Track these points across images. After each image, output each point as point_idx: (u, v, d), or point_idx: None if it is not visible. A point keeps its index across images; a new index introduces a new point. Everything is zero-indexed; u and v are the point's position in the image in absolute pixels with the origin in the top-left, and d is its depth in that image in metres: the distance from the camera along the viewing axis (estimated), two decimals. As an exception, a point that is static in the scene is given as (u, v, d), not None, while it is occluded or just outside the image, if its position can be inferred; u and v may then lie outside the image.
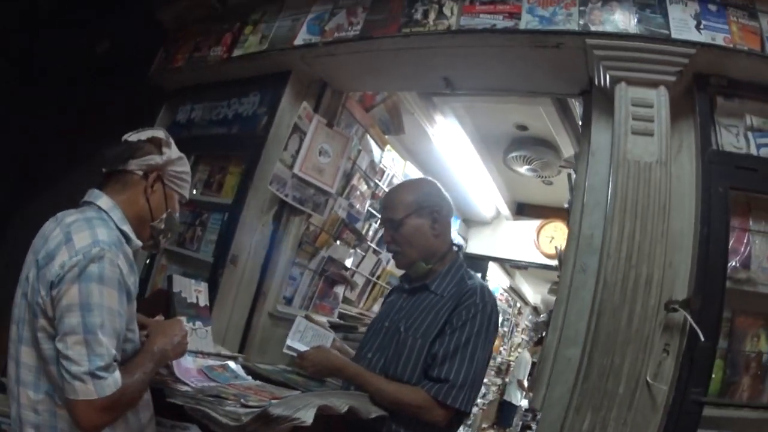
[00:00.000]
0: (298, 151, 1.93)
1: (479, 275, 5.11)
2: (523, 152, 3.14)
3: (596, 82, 1.62)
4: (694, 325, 1.47)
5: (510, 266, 6.35)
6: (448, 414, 1.49)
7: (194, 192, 2.17)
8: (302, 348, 1.53)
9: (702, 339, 1.47)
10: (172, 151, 1.32)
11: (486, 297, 1.52)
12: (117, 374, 1.06)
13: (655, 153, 1.52)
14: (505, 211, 4.54)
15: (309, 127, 1.96)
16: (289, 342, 1.55)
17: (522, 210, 4.76)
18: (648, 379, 1.53)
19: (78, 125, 2.81)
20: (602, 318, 1.45)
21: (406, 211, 1.55)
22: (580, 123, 1.72)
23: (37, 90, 2.92)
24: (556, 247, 3.30)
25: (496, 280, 4.94)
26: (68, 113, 2.92)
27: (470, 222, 4.81)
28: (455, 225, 4.34)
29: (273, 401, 1.29)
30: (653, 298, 1.47)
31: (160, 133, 1.32)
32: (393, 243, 1.58)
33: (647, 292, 1.47)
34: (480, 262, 4.86)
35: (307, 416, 1.22)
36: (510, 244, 4.77)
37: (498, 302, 5.15)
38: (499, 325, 1.71)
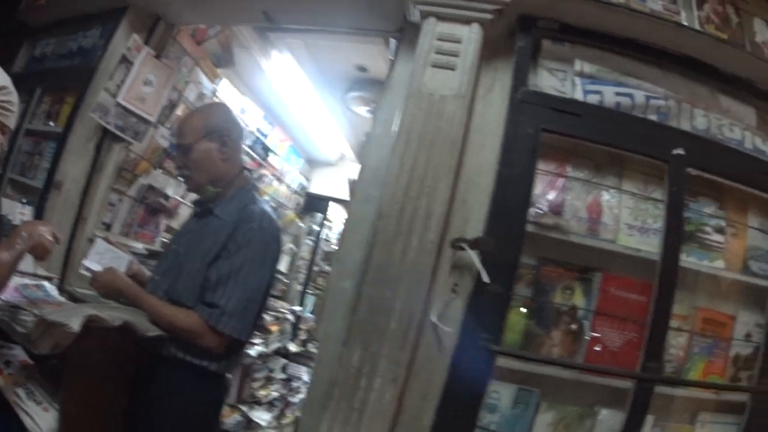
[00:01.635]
0: (123, 81, 2.01)
1: (319, 215, 4.89)
2: (362, 93, 3.07)
3: (409, 18, 1.59)
4: (479, 265, 1.40)
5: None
6: (221, 341, 1.48)
7: (38, 122, 2.29)
8: (97, 269, 1.57)
9: (487, 281, 1.40)
10: None
11: (265, 223, 1.51)
12: None
13: (453, 87, 1.47)
14: (350, 153, 4.43)
15: (137, 58, 2.05)
16: (85, 262, 1.59)
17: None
18: (433, 319, 1.46)
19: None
20: (376, 250, 1.40)
21: (196, 136, 1.57)
22: (391, 59, 1.69)
23: None
24: (348, 179, 3.18)
25: (337, 220, 4.89)
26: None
27: (314, 163, 4.79)
28: (298, 165, 4.30)
29: (50, 309, 1.35)
30: (432, 233, 1.41)
31: None
32: (184, 168, 1.61)
33: (426, 226, 1.41)
34: (321, 202, 4.83)
35: (74, 323, 1.26)
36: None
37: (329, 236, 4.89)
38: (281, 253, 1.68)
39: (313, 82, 3.04)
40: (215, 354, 1.50)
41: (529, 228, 1.46)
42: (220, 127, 1.59)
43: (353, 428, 1.45)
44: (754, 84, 1.83)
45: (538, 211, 1.47)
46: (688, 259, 1.59)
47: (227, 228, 1.50)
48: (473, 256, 1.41)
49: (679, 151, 1.58)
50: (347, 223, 1.50)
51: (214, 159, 1.57)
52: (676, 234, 1.55)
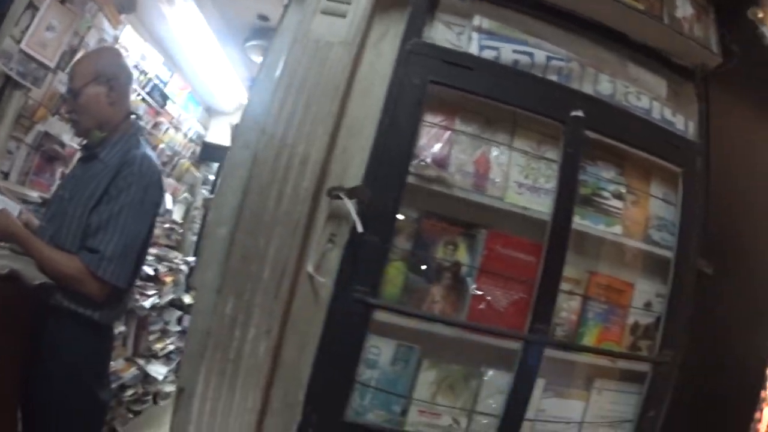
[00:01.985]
0: (28, 27, 2.01)
1: (216, 164, 4.72)
2: (261, 42, 3.04)
3: (304, -34, 1.58)
4: (354, 215, 1.38)
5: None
6: (102, 287, 1.47)
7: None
8: None
9: (360, 231, 1.37)
10: None
11: (144, 168, 1.51)
12: None
13: (341, 35, 1.45)
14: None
15: (43, 3, 2.05)
16: None
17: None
18: (309, 270, 1.43)
19: None
20: (250, 196, 1.38)
21: (84, 80, 1.57)
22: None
23: None
24: (230, 124, 3.13)
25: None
26: None
27: (212, 111, 4.68)
28: (196, 113, 4.22)
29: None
30: (307, 181, 1.39)
31: None
32: (72, 112, 1.61)
33: (301, 174, 1.39)
34: (218, 152, 4.62)
35: None
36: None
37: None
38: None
39: (215, 30, 3.02)
40: (97, 303, 1.49)
41: (411, 180, 1.44)
42: (108, 71, 1.59)
43: (229, 380, 1.43)
44: (669, 57, 1.81)
45: (421, 162, 1.44)
46: (582, 222, 1.56)
47: (110, 172, 1.50)
48: (349, 205, 1.39)
49: (578, 113, 1.56)
50: (225, 168, 1.49)
51: (101, 103, 1.57)
52: (568, 195, 1.53)
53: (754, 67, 1.87)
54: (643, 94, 1.70)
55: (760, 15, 1.80)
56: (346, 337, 1.43)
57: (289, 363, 1.47)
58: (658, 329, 1.67)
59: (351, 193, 1.40)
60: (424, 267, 1.48)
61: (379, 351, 1.47)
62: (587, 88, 1.63)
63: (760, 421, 2.58)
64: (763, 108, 1.95)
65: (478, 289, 1.49)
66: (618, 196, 1.63)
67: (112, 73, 1.60)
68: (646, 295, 1.67)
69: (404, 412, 1.51)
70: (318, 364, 1.43)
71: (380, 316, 1.44)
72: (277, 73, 1.43)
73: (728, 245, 1.81)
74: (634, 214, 1.64)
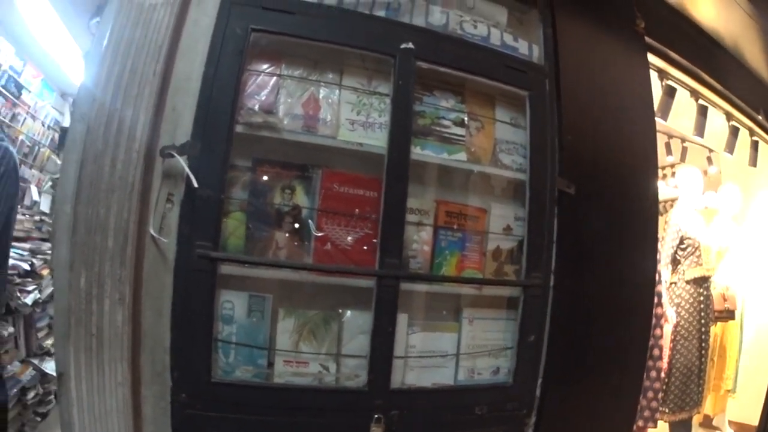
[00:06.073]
0: None
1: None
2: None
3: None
4: (188, 171, 1.36)
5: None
6: None
7: None
8: None
9: (195, 185, 1.36)
10: None
11: None
12: None
13: (158, -5, 1.44)
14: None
15: None
16: None
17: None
18: (152, 232, 1.41)
19: None
20: (86, 167, 1.36)
21: None
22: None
23: None
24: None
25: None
26: None
27: (68, 96, 4.37)
28: (51, 99, 4.01)
29: None
30: (138, 143, 1.37)
31: None
32: None
33: (131, 137, 1.37)
34: None
35: None
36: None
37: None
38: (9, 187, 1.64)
39: (61, 13, 2.91)
40: None
41: (240, 129, 1.43)
42: None
43: (95, 354, 1.40)
44: (508, -16, 1.82)
45: (249, 111, 1.43)
46: (422, 152, 1.57)
47: None
48: (181, 162, 1.37)
49: (408, 45, 1.55)
50: (66, 146, 1.45)
51: None
52: (403, 127, 1.53)
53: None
54: (480, 22, 1.71)
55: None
56: (196, 295, 1.41)
57: (150, 330, 1.45)
58: (522, 253, 1.68)
59: (181, 149, 1.38)
60: (263, 214, 1.46)
61: (233, 305, 1.46)
62: (418, 21, 1.63)
63: (661, 337, 2.64)
64: (611, 28, 1.98)
65: (320, 229, 1.48)
66: (460, 124, 1.63)
67: None
68: (504, 220, 1.69)
69: (270, 365, 1.50)
70: (175, 327, 1.41)
71: (227, 269, 1.42)
72: (105, 41, 1.40)
73: (589, 165, 1.83)
74: (479, 141, 1.65)
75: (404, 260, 1.53)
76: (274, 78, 1.49)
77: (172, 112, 1.44)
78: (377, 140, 1.52)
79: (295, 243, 1.48)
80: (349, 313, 1.53)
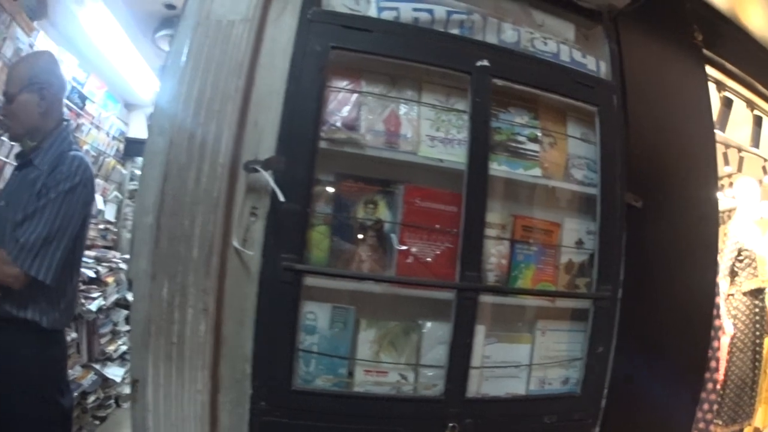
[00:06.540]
0: None
1: (140, 159, 4.81)
2: (170, 31, 3.06)
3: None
4: (273, 185, 1.41)
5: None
6: (18, 275, 1.49)
7: None
8: None
9: (282, 200, 1.40)
10: None
11: (74, 167, 1.54)
12: None
13: (241, 12, 1.48)
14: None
15: None
16: None
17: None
18: (236, 245, 1.46)
19: None
20: (169, 180, 1.41)
21: (19, 86, 1.59)
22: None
23: None
24: (146, 115, 3.12)
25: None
26: None
27: (131, 106, 4.61)
28: (115, 110, 4.18)
29: None
30: (222, 157, 1.42)
31: None
32: (5, 117, 1.63)
33: (215, 151, 1.42)
34: (141, 146, 4.64)
35: None
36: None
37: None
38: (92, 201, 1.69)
39: (125, 25, 3.02)
40: (43, 308, 1.51)
41: (323, 145, 1.47)
42: (40, 78, 1.61)
43: (176, 363, 1.45)
44: (576, 1, 1.85)
45: (331, 127, 1.48)
46: (499, 168, 1.60)
47: (43, 175, 1.52)
48: (267, 176, 1.42)
49: (483, 62, 1.59)
50: (145, 158, 1.51)
51: (31, 112, 1.60)
52: (481, 143, 1.56)
53: (660, 3, 1.92)
54: (550, 39, 1.74)
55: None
56: (280, 306, 1.45)
57: (231, 339, 1.49)
58: (593, 266, 1.70)
59: (266, 164, 1.43)
60: (347, 228, 1.50)
61: (316, 316, 1.50)
62: (491, 38, 1.67)
63: (719, 349, 2.62)
64: (671, 42, 1.99)
65: (402, 243, 1.51)
66: (534, 140, 1.66)
67: (44, 81, 1.62)
68: (576, 234, 1.71)
69: (351, 374, 1.53)
70: (258, 337, 1.45)
71: (311, 281, 1.46)
72: (183, 57, 1.46)
73: (654, 178, 1.84)
74: (552, 156, 1.68)
75: (483, 273, 1.56)
76: (355, 95, 1.53)
77: (254, 128, 1.49)
78: (456, 156, 1.55)
79: (377, 256, 1.52)
80: (428, 324, 1.56)
